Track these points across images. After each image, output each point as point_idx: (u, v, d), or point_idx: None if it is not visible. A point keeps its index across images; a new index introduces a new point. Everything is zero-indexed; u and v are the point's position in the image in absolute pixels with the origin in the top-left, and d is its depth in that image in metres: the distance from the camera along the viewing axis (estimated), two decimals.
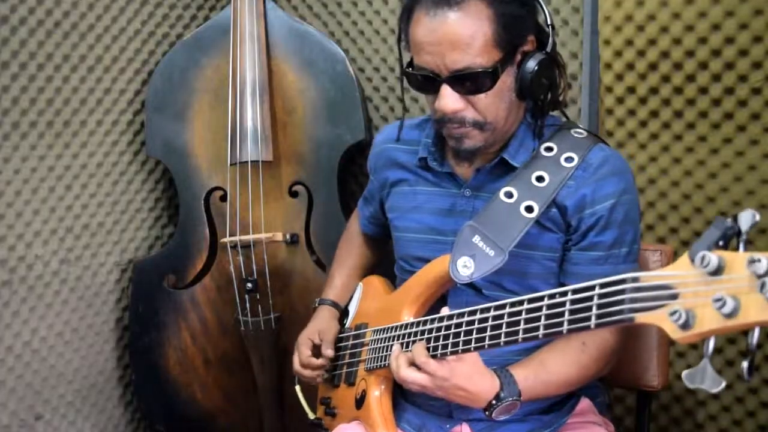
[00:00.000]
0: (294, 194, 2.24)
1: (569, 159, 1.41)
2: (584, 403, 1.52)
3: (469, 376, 1.28)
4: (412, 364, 1.32)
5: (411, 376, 1.31)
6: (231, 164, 2.22)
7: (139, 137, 2.33)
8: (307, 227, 2.24)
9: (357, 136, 2.21)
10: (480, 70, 1.32)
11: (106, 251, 2.27)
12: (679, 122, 1.88)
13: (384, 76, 2.35)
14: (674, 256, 1.69)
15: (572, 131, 1.46)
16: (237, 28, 2.21)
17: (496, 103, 1.37)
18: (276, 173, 2.23)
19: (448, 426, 1.50)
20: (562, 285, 1.35)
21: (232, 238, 2.22)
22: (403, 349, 1.37)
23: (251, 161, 2.20)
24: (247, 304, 2.22)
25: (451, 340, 1.28)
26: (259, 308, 2.22)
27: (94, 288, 2.24)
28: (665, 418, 2.00)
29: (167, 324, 2.30)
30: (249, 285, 2.20)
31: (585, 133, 1.46)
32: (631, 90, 1.92)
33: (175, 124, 2.28)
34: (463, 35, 1.31)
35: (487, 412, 1.30)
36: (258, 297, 2.22)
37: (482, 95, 1.35)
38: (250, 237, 2.20)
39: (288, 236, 2.22)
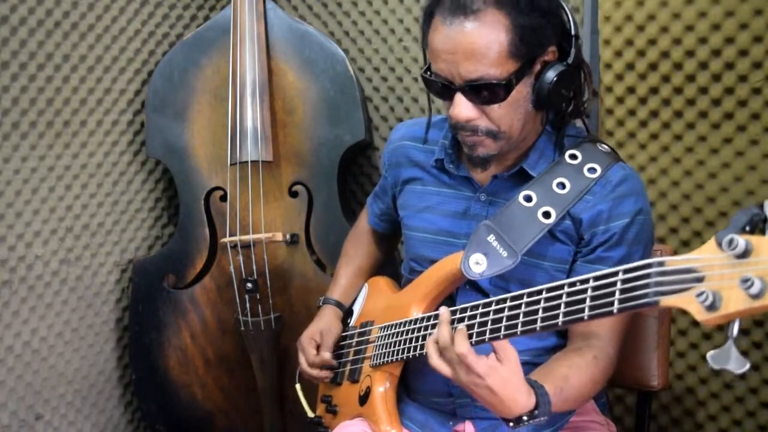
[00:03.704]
0: (294, 194, 2.24)
1: (592, 170, 1.40)
2: (587, 403, 1.52)
3: (506, 382, 1.18)
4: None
5: (444, 368, 1.24)
6: (231, 164, 2.22)
7: (139, 137, 2.33)
8: (307, 227, 2.24)
9: (357, 136, 2.20)
10: (494, 81, 1.30)
11: (106, 251, 2.27)
12: (679, 122, 1.88)
13: (384, 76, 2.35)
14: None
15: (597, 144, 1.46)
16: (237, 28, 2.21)
17: (510, 114, 1.35)
18: (276, 173, 2.23)
19: (451, 423, 1.50)
20: None
21: (232, 238, 2.22)
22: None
23: (251, 161, 2.20)
24: (247, 304, 2.22)
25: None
26: (259, 308, 2.22)
27: (94, 288, 2.24)
28: (665, 418, 2.00)
29: (167, 324, 2.30)
30: (249, 285, 2.20)
31: (608, 149, 1.46)
32: (631, 90, 1.92)
33: (175, 124, 2.28)
34: (478, 45, 1.29)
35: (511, 424, 1.21)
36: (258, 297, 2.21)
37: (496, 105, 1.33)
38: (250, 237, 2.20)
39: (288, 236, 2.22)
